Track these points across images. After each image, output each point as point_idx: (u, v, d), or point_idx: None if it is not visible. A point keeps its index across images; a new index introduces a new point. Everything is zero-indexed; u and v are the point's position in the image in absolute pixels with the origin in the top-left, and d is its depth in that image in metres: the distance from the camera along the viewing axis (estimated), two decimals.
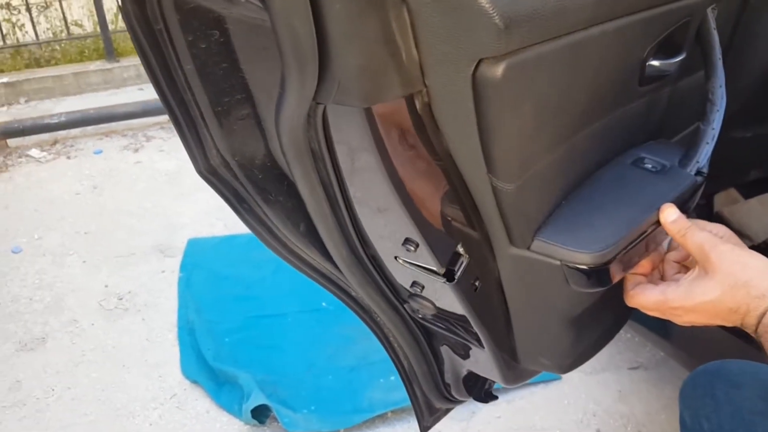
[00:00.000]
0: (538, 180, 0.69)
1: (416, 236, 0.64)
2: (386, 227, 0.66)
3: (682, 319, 0.77)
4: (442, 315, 0.86)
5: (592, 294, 0.83)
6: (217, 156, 0.51)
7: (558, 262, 0.73)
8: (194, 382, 1.90)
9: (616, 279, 0.78)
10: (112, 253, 2.52)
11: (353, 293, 0.84)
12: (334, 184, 0.58)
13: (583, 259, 0.72)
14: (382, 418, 1.76)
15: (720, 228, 0.91)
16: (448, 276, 0.72)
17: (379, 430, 1.75)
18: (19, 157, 3.30)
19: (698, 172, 0.90)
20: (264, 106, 0.48)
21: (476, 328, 0.82)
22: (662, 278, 0.85)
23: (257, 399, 1.71)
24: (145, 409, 1.81)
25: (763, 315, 0.71)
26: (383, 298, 0.83)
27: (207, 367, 1.92)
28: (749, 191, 1.83)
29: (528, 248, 0.74)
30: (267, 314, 2.15)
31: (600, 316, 0.94)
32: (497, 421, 1.75)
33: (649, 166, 0.89)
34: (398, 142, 0.56)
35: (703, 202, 1.89)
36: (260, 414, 1.73)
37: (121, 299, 2.25)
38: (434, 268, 0.70)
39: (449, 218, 0.68)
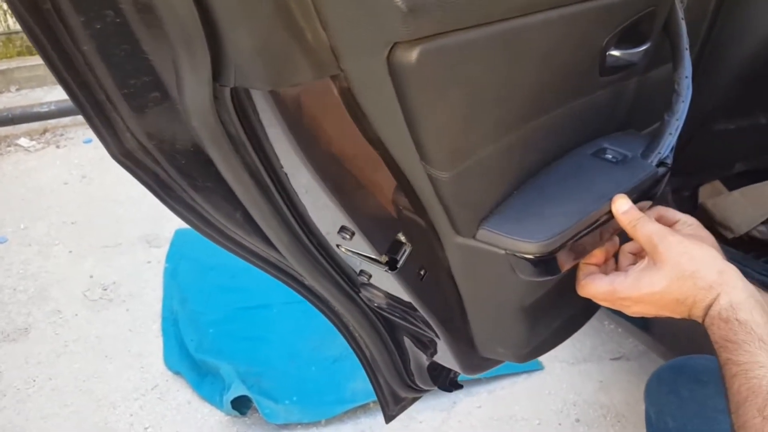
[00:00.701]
0: (480, 169, 0.68)
1: (350, 224, 0.63)
2: (322, 215, 0.65)
3: (631, 310, 0.77)
4: (394, 304, 0.85)
5: (544, 283, 0.82)
6: (132, 139, 0.50)
7: (503, 252, 0.73)
8: (176, 373, 1.90)
9: (565, 268, 0.77)
10: (98, 243, 2.52)
11: (306, 282, 0.83)
12: (261, 169, 0.57)
13: (528, 248, 0.72)
14: (363, 408, 1.76)
15: (689, 218, 0.90)
16: (391, 265, 0.71)
17: (361, 420, 1.75)
18: (8, 146, 3.30)
19: (661, 163, 0.88)
20: (173, 88, 0.47)
21: (427, 318, 0.82)
22: (617, 269, 0.84)
23: (238, 390, 1.71)
24: (126, 399, 1.81)
25: (709, 306, 0.70)
26: (336, 287, 0.82)
27: (189, 358, 1.93)
28: (734, 183, 1.83)
29: (473, 237, 0.73)
30: (252, 305, 2.15)
31: (559, 305, 0.93)
32: (478, 411, 1.75)
33: (610, 156, 0.88)
34: (324, 127, 0.55)
35: (688, 194, 1.88)
36: (242, 405, 1.73)
37: (105, 290, 2.26)
38: (374, 257, 0.69)
39: (388, 206, 0.68)
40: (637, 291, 0.74)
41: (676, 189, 1.76)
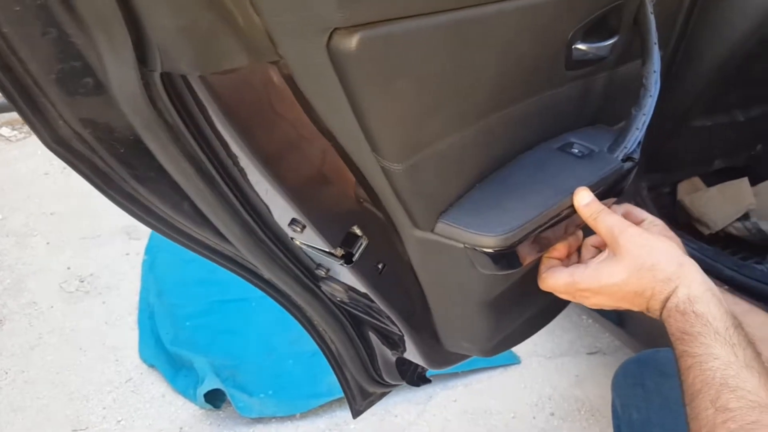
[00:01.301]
0: (437, 161, 0.67)
1: (300, 216, 0.62)
2: (272, 207, 0.64)
3: (590, 302, 0.76)
4: (357, 298, 0.84)
5: (507, 277, 0.81)
6: (66, 127, 0.48)
7: (462, 245, 0.72)
8: (151, 366, 1.89)
9: (526, 262, 0.76)
10: (77, 234, 2.49)
11: (265, 276, 0.82)
12: (204, 159, 0.56)
13: (487, 242, 0.71)
14: (339, 402, 1.75)
15: (655, 219, 0.90)
16: (347, 258, 0.70)
17: (336, 413, 1.74)
18: None
19: (628, 158, 0.88)
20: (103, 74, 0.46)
21: (387, 312, 0.81)
22: (579, 262, 0.84)
23: (211, 383, 1.69)
24: (100, 392, 1.80)
25: (667, 299, 0.70)
26: (296, 281, 0.81)
27: (164, 351, 1.91)
28: (712, 180, 1.83)
29: (432, 231, 0.72)
30: (230, 299, 2.13)
31: (524, 300, 0.92)
32: (453, 405, 1.75)
33: (576, 151, 0.88)
34: (267, 115, 0.54)
35: (667, 191, 1.89)
36: (216, 399, 1.72)
37: (82, 281, 2.23)
38: (328, 250, 0.68)
39: (342, 197, 0.66)
40: (597, 282, 0.73)
41: (654, 186, 1.76)
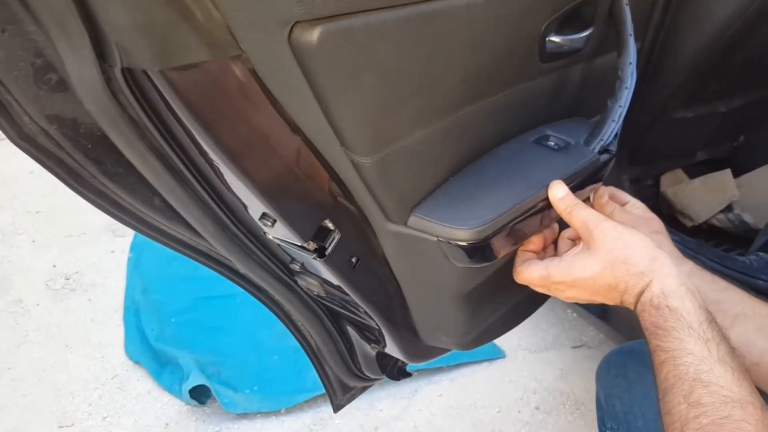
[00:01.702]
0: (408, 154, 0.67)
1: (270, 211, 0.62)
2: (243, 200, 0.64)
3: (565, 294, 0.77)
4: (333, 292, 0.84)
5: (483, 270, 0.81)
6: (32, 123, 0.48)
7: (435, 238, 0.72)
8: (137, 362, 1.88)
9: (501, 254, 0.77)
10: (62, 232, 2.48)
11: (241, 271, 0.82)
12: (171, 154, 0.56)
13: (460, 235, 0.71)
14: (324, 397, 1.75)
15: (637, 202, 0.91)
16: (319, 252, 0.70)
17: (321, 408, 1.74)
18: None
19: (605, 150, 0.88)
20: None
21: (363, 306, 0.81)
22: (556, 255, 0.84)
23: (196, 379, 1.69)
24: (86, 389, 1.79)
25: (641, 293, 0.70)
26: (271, 276, 0.81)
27: (150, 348, 1.91)
28: (696, 172, 1.84)
29: (405, 224, 0.72)
30: (215, 295, 2.13)
31: (502, 293, 0.93)
32: (438, 399, 1.75)
33: (552, 143, 0.88)
34: (231, 109, 0.53)
35: (650, 183, 1.89)
36: (201, 395, 1.72)
37: (68, 279, 2.22)
38: (301, 244, 0.68)
39: (312, 191, 0.66)
40: (570, 275, 0.74)
41: (637, 178, 1.77)
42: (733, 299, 0.79)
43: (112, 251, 2.36)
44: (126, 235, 2.44)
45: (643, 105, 1.42)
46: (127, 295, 2.13)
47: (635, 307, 0.71)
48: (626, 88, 0.86)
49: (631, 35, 0.86)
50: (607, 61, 0.95)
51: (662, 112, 1.55)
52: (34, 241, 2.43)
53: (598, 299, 0.75)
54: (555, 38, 0.80)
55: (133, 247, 2.36)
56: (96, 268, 2.27)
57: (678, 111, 1.62)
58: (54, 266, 2.29)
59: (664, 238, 0.86)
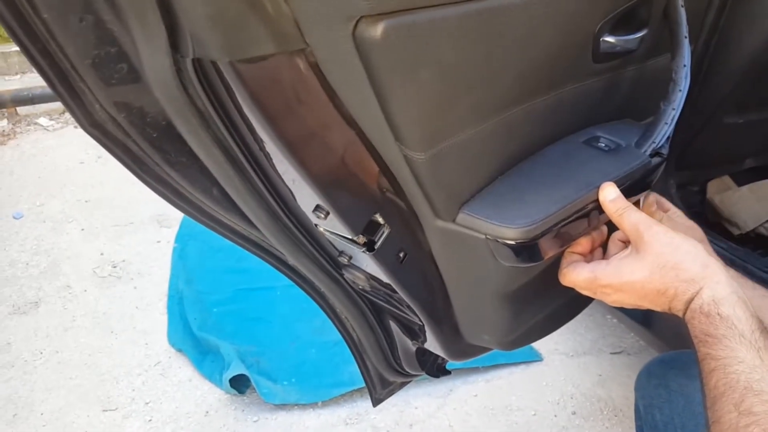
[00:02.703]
0: (460, 151, 0.67)
1: (324, 203, 0.63)
2: (297, 193, 0.66)
3: (611, 299, 0.76)
4: (378, 287, 0.85)
5: (528, 270, 0.81)
6: (102, 111, 0.50)
7: (483, 236, 0.72)
8: (179, 350, 1.93)
9: (548, 255, 0.77)
10: (110, 221, 2.56)
11: (290, 262, 0.84)
12: (233, 145, 0.58)
13: (508, 233, 0.71)
14: (360, 391, 1.77)
15: (677, 209, 0.90)
16: (369, 246, 0.71)
17: (357, 403, 1.76)
18: (28, 124, 3.36)
19: (656, 153, 0.87)
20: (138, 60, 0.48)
21: (408, 302, 0.82)
22: (604, 258, 0.83)
23: (236, 369, 1.73)
24: (129, 375, 1.85)
25: (690, 300, 0.69)
26: (319, 268, 0.82)
27: (192, 337, 1.95)
28: (743, 179, 1.80)
29: (453, 221, 0.73)
30: (256, 287, 2.17)
31: (546, 294, 0.92)
32: (474, 400, 1.75)
33: (602, 145, 0.87)
34: (293, 103, 0.55)
35: (696, 189, 1.86)
36: (241, 384, 1.75)
37: (115, 267, 2.29)
38: (351, 237, 0.69)
39: (365, 185, 0.68)
40: (618, 278, 0.73)
41: (683, 184, 1.74)
42: None
43: (158, 241, 2.42)
44: (171, 226, 2.50)
45: (693, 109, 1.39)
46: (171, 285, 2.19)
47: (684, 314, 0.70)
48: (680, 90, 0.84)
49: (686, 37, 0.85)
50: (660, 63, 0.94)
51: (712, 116, 1.52)
52: (83, 230, 2.51)
53: (645, 304, 0.74)
54: (609, 38, 0.80)
55: (178, 238, 2.42)
56: (142, 258, 2.34)
57: (729, 116, 1.58)
58: (102, 254, 2.36)
59: (706, 246, 0.85)
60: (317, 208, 0.65)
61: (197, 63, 0.50)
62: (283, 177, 0.64)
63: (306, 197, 0.65)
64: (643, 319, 1.62)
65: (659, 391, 1.08)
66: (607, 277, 0.74)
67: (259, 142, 0.61)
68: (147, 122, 0.53)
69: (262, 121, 0.53)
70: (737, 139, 1.67)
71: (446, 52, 0.56)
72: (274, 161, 0.61)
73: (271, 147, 0.57)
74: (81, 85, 0.49)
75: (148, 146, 0.55)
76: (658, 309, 0.74)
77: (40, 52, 0.46)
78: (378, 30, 0.49)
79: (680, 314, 0.71)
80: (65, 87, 0.48)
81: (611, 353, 1.89)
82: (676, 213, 0.90)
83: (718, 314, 0.66)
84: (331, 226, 0.70)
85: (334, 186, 0.63)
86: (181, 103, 0.50)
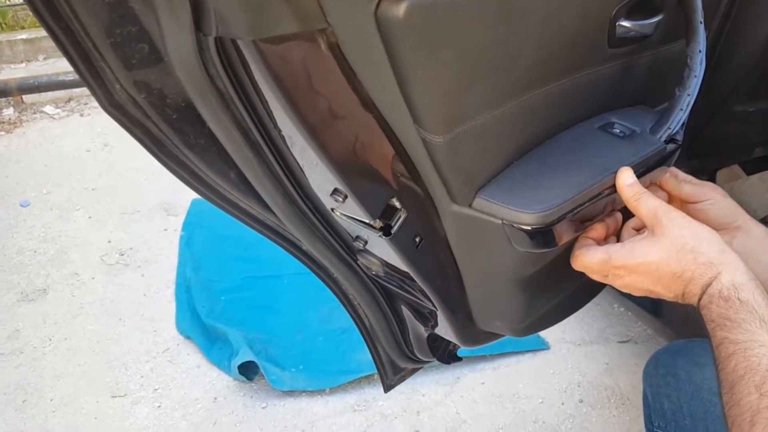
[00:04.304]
0: (477, 135, 0.67)
1: (342, 187, 0.63)
2: (314, 176, 0.66)
3: (623, 282, 0.76)
4: (392, 272, 0.85)
5: (543, 256, 0.81)
6: (122, 91, 0.50)
7: (500, 221, 0.72)
8: (187, 337, 1.94)
9: (563, 241, 0.76)
10: (117, 209, 2.56)
11: (304, 248, 0.84)
12: (252, 127, 0.57)
13: (525, 219, 0.71)
14: (368, 379, 1.78)
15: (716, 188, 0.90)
16: (385, 230, 0.71)
17: (365, 390, 1.77)
18: (34, 113, 3.36)
19: (671, 140, 0.87)
20: (159, 39, 0.48)
21: (423, 287, 0.82)
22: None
23: (245, 356, 1.74)
24: (138, 361, 1.86)
25: (708, 284, 0.68)
26: (333, 254, 0.83)
27: (200, 324, 1.96)
28: (753, 168, 1.79)
29: (469, 206, 0.73)
30: (264, 275, 2.18)
31: (559, 281, 0.92)
32: (481, 387, 1.76)
33: (617, 131, 0.87)
34: (313, 84, 0.55)
35: (705, 178, 1.85)
36: (249, 371, 1.76)
37: (122, 255, 2.30)
38: (368, 221, 0.69)
39: (382, 169, 0.67)
40: (633, 259, 0.73)
41: (693, 172, 1.72)
42: None
43: (165, 229, 2.43)
44: (178, 215, 2.50)
45: (705, 96, 1.38)
46: (178, 272, 2.19)
47: (700, 298, 0.70)
48: (695, 76, 0.84)
49: (701, 22, 0.84)
50: (675, 49, 0.93)
51: (723, 104, 1.51)
52: (90, 217, 2.51)
53: (658, 289, 0.73)
54: (625, 23, 0.79)
55: (185, 226, 2.43)
56: (149, 245, 2.34)
57: (739, 104, 1.57)
58: (109, 242, 2.37)
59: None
60: (335, 191, 0.65)
61: (219, 42, 0.50)
62: (301, 160, 0.64)
63: (324, 181, 0.65)
64: (653, 307, 1.62)
65: (667, 379, 1.08)
66: (622, 258, 0.74)
67: (276, 124, 0.61)
68: (167, 103, 0.53)
69: (282, 101, 0.53)
70: (747, 128, 1.66)
71: (467, 33, 0.56)
72: (294, 144, 0.61)
73: (291, 129, 0.56)
74: (102, 65, 0.48)
75: (167, 127, 0.55)
76: (669, 295, 0.73)
77: (64, 30, 0.45)
78: (401, 9, 0.49)
79: (695, 299, 0.70)
80: (87, 66, 0.48)
81: (618, 342, 1.89)
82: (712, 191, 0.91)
83: (738, 299, 0.66)
84: (349, 211, 0.70)
85: (353, 169, 0.63)
86: (202, 83, 0.50)
